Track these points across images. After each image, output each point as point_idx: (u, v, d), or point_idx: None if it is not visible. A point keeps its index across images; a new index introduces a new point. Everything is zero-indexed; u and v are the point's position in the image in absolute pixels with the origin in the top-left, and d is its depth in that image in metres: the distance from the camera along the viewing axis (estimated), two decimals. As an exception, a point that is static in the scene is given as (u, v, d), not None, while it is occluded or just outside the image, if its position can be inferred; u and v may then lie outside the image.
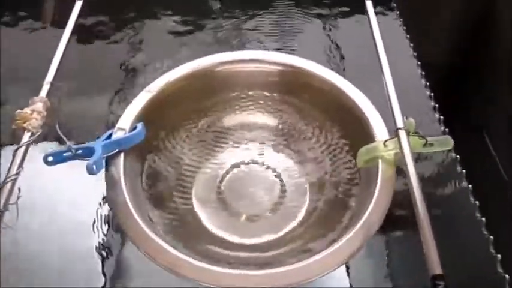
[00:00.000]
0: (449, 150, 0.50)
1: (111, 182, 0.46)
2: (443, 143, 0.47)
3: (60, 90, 0.54)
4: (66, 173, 0.50)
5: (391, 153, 0.47)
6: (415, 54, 0.64)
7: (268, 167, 0.56)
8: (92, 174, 0.44)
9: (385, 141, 0.47)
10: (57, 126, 0.45)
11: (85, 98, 0.63)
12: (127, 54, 0.69)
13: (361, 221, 0.43)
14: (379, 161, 0.47)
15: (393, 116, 0.43)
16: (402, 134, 0.42)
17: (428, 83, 0.60)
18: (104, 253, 0.49)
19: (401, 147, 0.41)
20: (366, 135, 0.50)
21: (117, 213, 0.44)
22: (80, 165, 0.45)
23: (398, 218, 0.50)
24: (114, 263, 0.48)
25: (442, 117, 0.56)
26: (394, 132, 0.45)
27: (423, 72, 0.61)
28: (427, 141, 0.46)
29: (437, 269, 0.34)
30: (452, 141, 0.47)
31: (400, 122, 0.43)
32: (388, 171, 0.47)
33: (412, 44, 0.65)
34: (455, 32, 0.82)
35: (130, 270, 0.48)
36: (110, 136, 0.48)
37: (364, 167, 0.49)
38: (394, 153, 0.47)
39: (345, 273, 0.48)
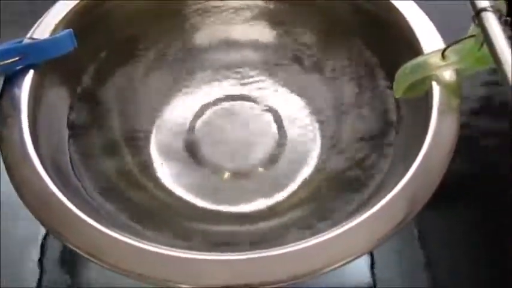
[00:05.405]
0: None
1: (6, 111, 0.29)
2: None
3: None
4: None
5: (453, 69, 0.30)
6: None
7: (261, 104, 0.38)
8: None
9: (446, 48, 0.29)
10: None
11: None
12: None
13: (405, 179, 0.27)
14: (433, 84, 0.30)
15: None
16: (489, 16, 0.24)
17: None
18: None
19: (488, 38, 0.23)
20: (408, 50, 0.33)
21: (9, 160, 0.27)
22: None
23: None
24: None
25: None
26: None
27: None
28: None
29: None
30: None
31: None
32: (450, 99, 0.30)
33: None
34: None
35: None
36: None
37: (406, 97, 0.32)
38: (458, 68, 0.30)
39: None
